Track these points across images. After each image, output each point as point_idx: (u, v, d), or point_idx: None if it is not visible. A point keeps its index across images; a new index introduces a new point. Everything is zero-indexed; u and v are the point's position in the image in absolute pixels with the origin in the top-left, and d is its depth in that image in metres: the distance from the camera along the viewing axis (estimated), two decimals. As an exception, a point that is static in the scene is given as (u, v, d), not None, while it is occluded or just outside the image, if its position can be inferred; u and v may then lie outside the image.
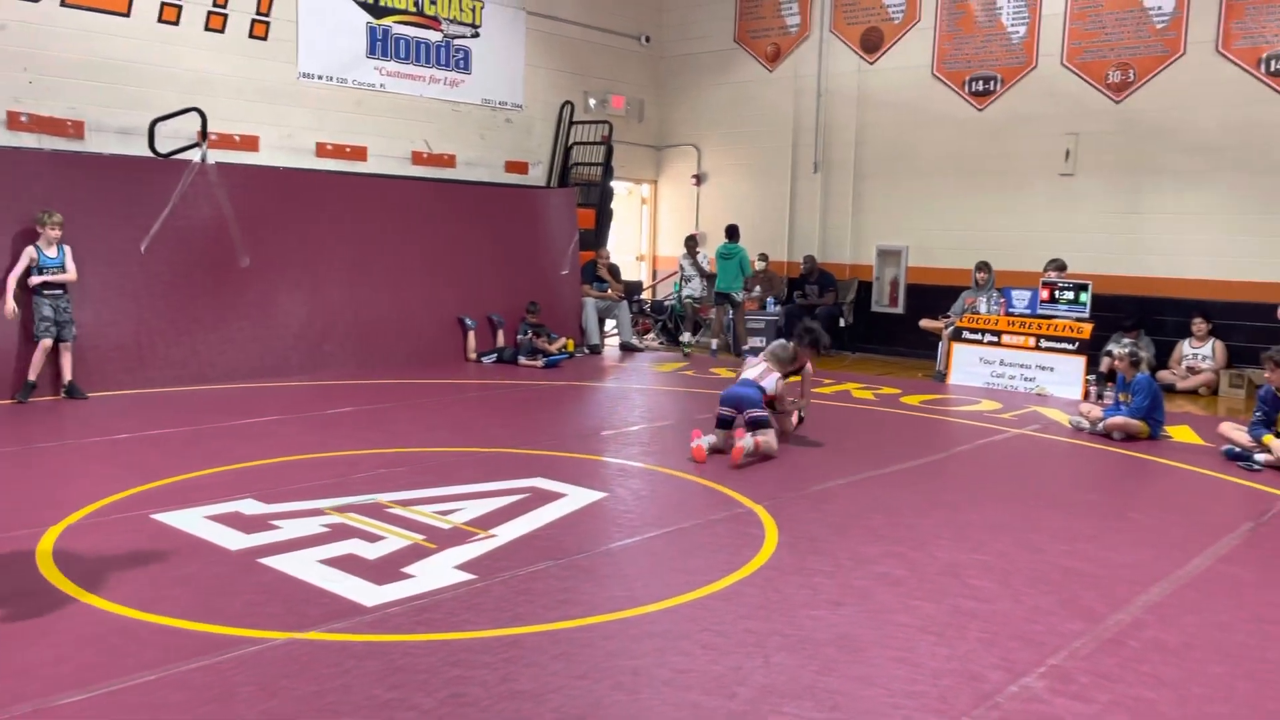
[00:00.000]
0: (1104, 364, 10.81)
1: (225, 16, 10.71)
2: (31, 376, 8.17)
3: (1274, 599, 4.37)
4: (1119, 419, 7.77)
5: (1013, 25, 12.33)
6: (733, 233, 12.88)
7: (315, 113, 11.51)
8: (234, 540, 4.77)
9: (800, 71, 14.20)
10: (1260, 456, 6.92)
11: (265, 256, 9.92)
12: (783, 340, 7.89)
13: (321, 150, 11.59)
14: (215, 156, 9.78)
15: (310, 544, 4.75)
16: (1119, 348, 8.41)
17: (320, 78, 11.51)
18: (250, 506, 5.34)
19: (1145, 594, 4.37)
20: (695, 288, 13.61)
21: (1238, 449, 7.11)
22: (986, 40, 12.54)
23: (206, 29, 10.61)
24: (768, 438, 6.75)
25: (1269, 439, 6.91)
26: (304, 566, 4.44)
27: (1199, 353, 10.78)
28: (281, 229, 10.12)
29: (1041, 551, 4.94)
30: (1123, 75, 11.54)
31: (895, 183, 13.43)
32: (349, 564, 4.49)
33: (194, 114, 9.58)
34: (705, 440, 6.74)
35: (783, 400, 7.34)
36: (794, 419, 7.56)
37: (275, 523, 5.07)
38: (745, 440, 6.62)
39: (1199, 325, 10.74)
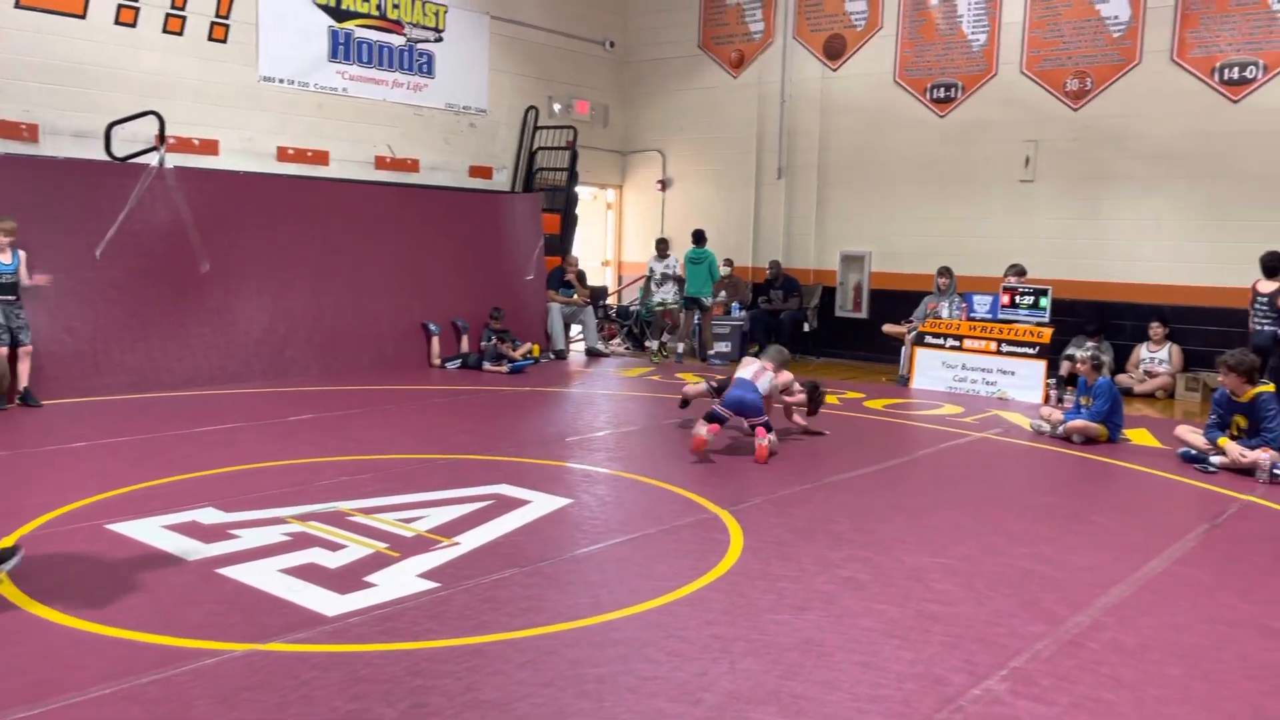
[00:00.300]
0: (1064, 368, 10.97)
1: (184, 19, 10.59)
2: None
3: (1228, 600, 4.44)
4: (1079, 422, 7.87)
5: (973, 33, 12.48)
6: (700, 237, 12.92)
7: (276, 116, 11.40)
8: (192, 550, 4.70)
9: (764, 78, 14.28)
10: (1216, 459, 7.03)
11: (225, 262, 9.80)
12: (779, 345, 8.42)
13: (283, 154, 11.48)
14: (174, 160, 9.67)
15: (270, 553, 4.69)
16: (1081, 351, 8.53)
17: (281, 81, 11.40)
18: (209, 515, 5.26)
19: (1104, 596, 4.42)
20: (669, 292, 13.23)
21: (1194, 451, 7.22)
22: (947, 48, 12.68)
23: (164, 31, 10.48)
24: (774, 437, 7.14)
25: (1224, 441, 7.02)
26: (264, 576, 4.38)
27: (1156, 356, 10.95)
28: (242, 234, 10.00)
29: (1003, 554, 4.99)
30: (1080, 83, 11.72)
31: (858, 188, 13.54)
32: (310, 573, 4.43)
33: (151, 117, 9.45)
34: (705, 432, 6.94)
35: (784, 395, 7.79)
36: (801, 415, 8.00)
37: (234, 532, 5.00)
38: (767, 439, 7.00)
39: (1156, 330, 10.91)
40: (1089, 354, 8.13)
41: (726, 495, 5.97)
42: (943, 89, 12.75)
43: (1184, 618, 4.20)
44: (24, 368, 8.17)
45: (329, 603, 4.09)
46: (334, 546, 4.81)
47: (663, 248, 13.32)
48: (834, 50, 13.66)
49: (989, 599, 4.34)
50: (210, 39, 10.81)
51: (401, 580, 4.38)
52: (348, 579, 4.38)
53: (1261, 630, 4.09)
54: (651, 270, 13.44)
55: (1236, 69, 10.74)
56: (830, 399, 8.91)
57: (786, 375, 7.98)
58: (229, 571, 4.43)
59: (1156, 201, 11.33)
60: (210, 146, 10.83)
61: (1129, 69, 11.43)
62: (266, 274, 10.17)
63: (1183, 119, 11.09)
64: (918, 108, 12.96)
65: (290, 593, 4.19)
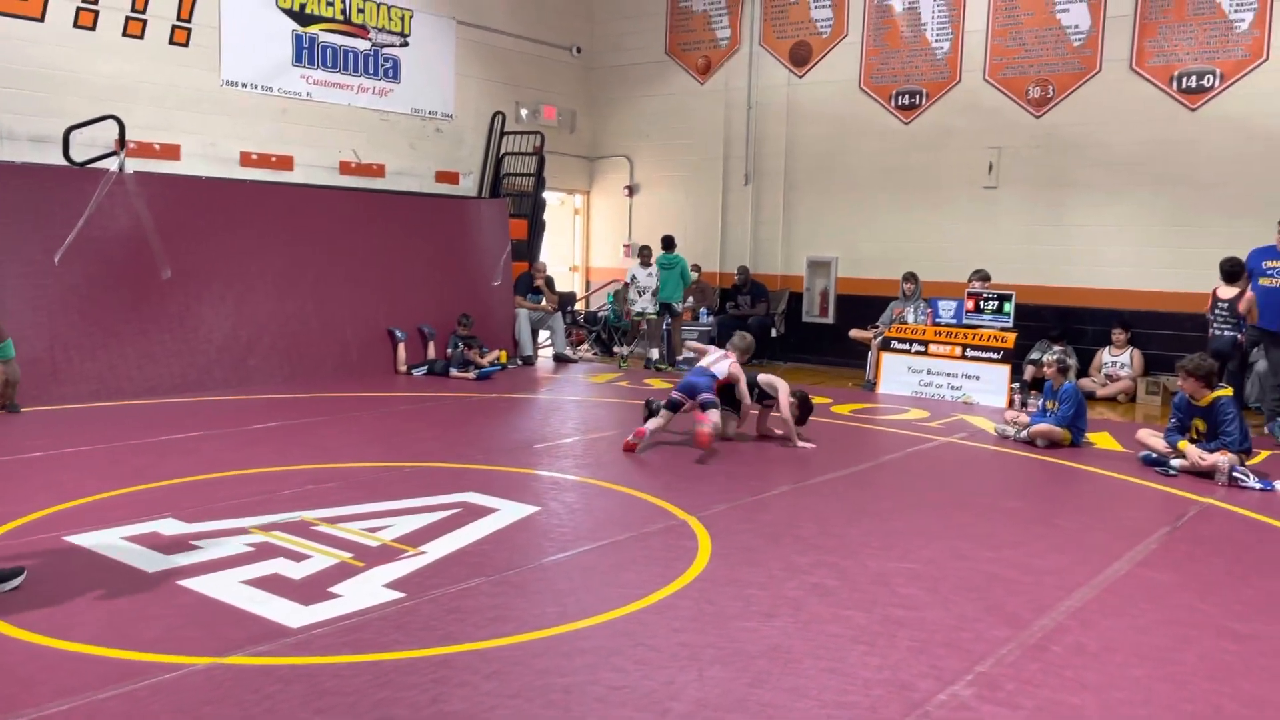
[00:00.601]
0: (1028, 372, 11.09)
1: (144, 22, 10.45)
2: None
3: (1189, 602, 4.49)
4: (1044, 426, 7.95)
5: (937, 41, 12.60)
6: (670, 243, 12.91)
7: (239, 121, 11.28)
8: (152, 562, 4.62)
9: (731, 84, 14.33)
10: (1176, 462, 7.13)
11: (187, 268, 9.68)
12: (742, 331, 8.45)
13: (246, 159, 11.36)
14: (134, 165, 9.54)
15: (233, 564, 4.62)
16: (1048, 355, 8.62)
17: (244, 85, 11.29)
18: (170, 526, 5.18)
19: (1068, 599, 4.46)
20: (649, 301, 12.89)
21: (1155, 455, 7.32)
22: (912, 55, 12.79)
23: (124, 35, 10.35)
24: (715, 416, 7.18)
25: (1184, 445, 7.12)
26: (226, 588, 4.32)
27: (1117, 360, 11.10)
28: (204, 240, 9.88)
29: (968, 558, 5.02)
30: (1042, 91, 11.86)
31: (825, 194, 13.62)
32: (273, 584, 4.38)
33: (111, 121, 9.32)
34: (649, 424, 7.19)
35: (738, 383, 7.77)
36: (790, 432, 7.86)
37: (196, 543, 4.93)
38: (707, 423, 7.06)
39: (1118, 335, 11.06)
40: (1055, 358, 8.22)
41: (694, 501, 5.97)
42: (907, 96, 12.86)
43: (1146, 619, 4.25)
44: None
45: (293, 614, 4.04)
46: (298, 557, 4.76)
47: (646, 255, 12.99)
48: (800, 57, 13.74)
49: (954, 603, 4.37)
50: (171, 42, 10.68)
51: (367, 591, 4.34)
52: (312, 590, 4.33)
53: (1220, 631, 4.14)
54: (634, 277, 13.03)
55: (1194, 78, 10.92)
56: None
57: (738, 370, 7.85)
58: (190, 583, 4.37)
59: (1117, 208, 11.49)
60: (171, 151, 10.70)
61: (1089, 77, 11.59)
62: (229, 280, 10.05)
63: (1142, 127, 11.26)
64: (883, 114, 13.06)
65: (253, 604, 4.13)
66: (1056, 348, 10.85)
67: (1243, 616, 4.32)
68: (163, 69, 10.63)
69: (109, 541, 4.89)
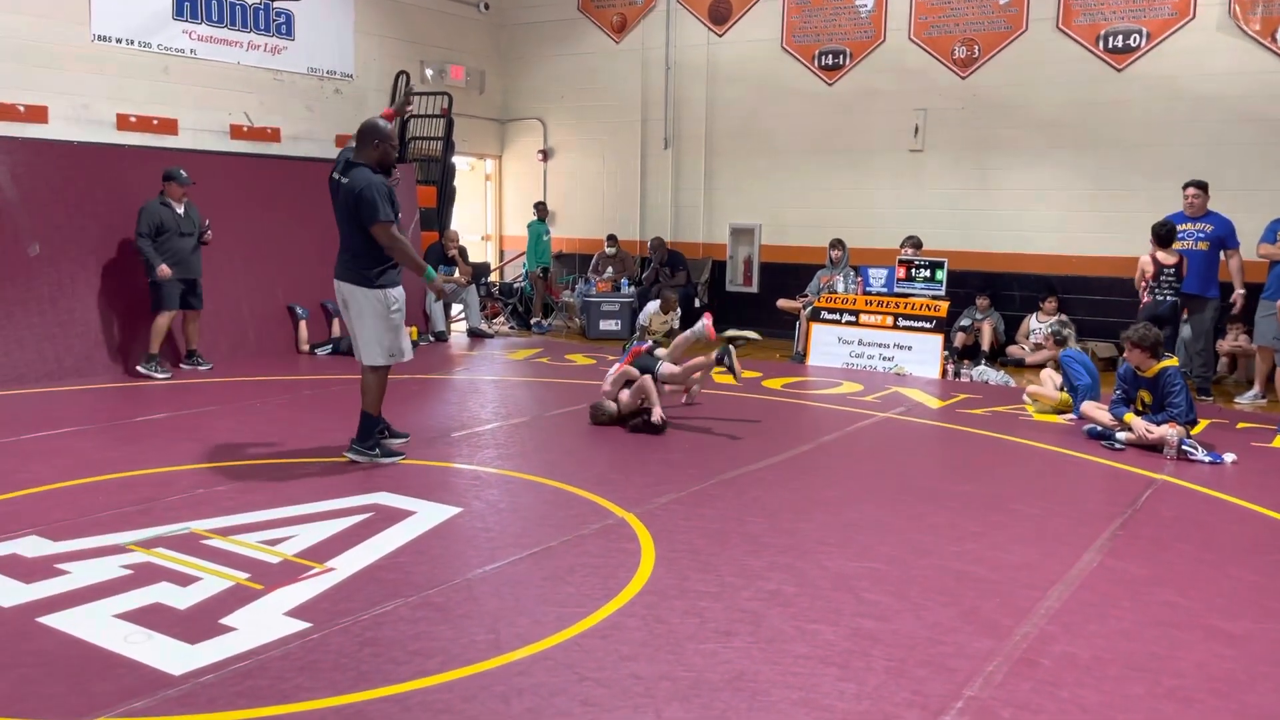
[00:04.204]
0: (958, 339, 10.88)
1: (1, -31, 9.39)
2: None
3: (1169, 598, 4.19)
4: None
5: (860, -1, 12.19)
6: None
7: (115, 80, 10.28)
8: (8, 593, 3.96)
9: (648, 43, 13.73)
10: (1122, 435, 6.92)
11: (59, 244, 8.77)
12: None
13: (124, 122, 10.38)
14: (-7, 129, 8.56)
15: (106, 593, 3.99)
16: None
17: (119, 41, 10.29)
18: (33, 546, 4.50)
19: (1045, 600, 4.12)
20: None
21: (1099, 428, 7.10)
22: (835, 13, 12.37)
23: (-21, -17, 9.28)
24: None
25: (1130, 417, 6.91)
26: (96, 625, 3.70)
27: (1045, 327, 10.93)
28: (79, 212, 8.95)
29: (931, 554, 4.65)
30: (968, 51, 11.57)
31: (747, 159, 13.18)
32: (154, 617, 3.76)
33: (-36, 80, 8.33)
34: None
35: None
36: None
37: (63, 566, 4.27)
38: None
39: (1049, 303, 10.89)
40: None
41: (631, 495, 5.49)
42: (831, 56, 12.45)
43: (1130, 621, 3.92)
44: None
45: (176, 657, 3.44)
46: (185, 580, 4.14)
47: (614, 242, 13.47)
48: (719, 15, 13.21)
49: (926, 610, 3.98)
50: (34, -8, 9.63)
51: (265, 621, 3.75)
52: (200, 622, 3.73)
53: (1209, 632, 3.84)
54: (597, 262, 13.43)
55: (1121, 37, 10.73)
56: (727, 379, 8.52)
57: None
58: (53, 620, 3.72)
59: (1044, 171, 11.29)
60: (38, 113, 9.68)
61: (1015, 37, 11.33)
62: (107, 255, 9.14)
63: (1068, 87, 11.05)
64: (806, 75, 12.64)
65: (128, 646, 3.52)
66: (1048, 319, 10.62)
67: (1228, 613, 4.03)
68: (25, 22, 9.58)
69: (-44, 570, 4.19)
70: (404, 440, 6.60)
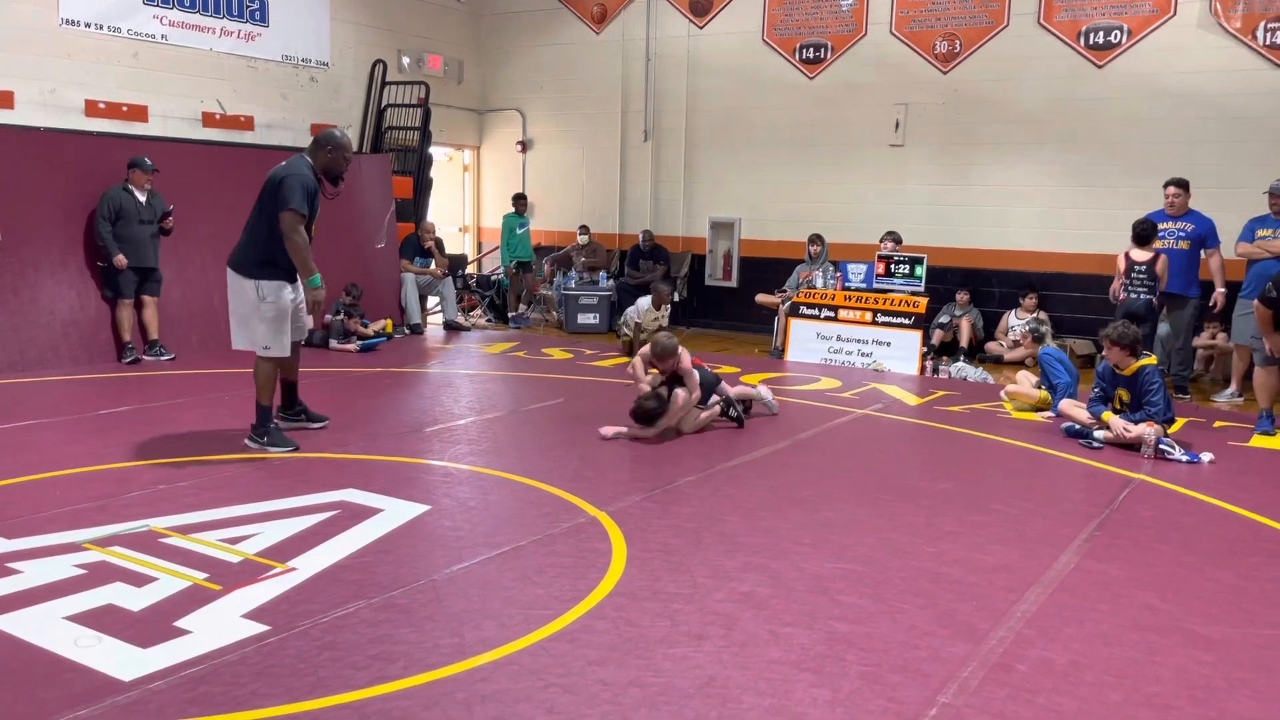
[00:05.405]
0: (936, 336, 10.83)
1: (-35, -51, 9.16)
2: None
3: (1147, 600, 4.13)
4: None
5: (842, -8, 12.11)
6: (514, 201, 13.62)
7: (83, 66, 10.06)
8: (-45, 595, 3.82)
9: (629, 34, 13.60)
10: (1099, 433, 6.87)
11: (23, 232, 8.58)
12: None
13: (93, 109, 10.17)
14: (-45, 113, 8.34)
15: (57, 593, 3.85)
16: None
17: (88, 25, 10.06)
18: (-15, 544, 4.36)
19: (1022, 602, 4.05)
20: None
21: (1078, 426, 7.05)
22: (817, 6, 12.28)
23: (-59, -37, 9.05)
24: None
25: (1108, 416, 6.86)
26: (46, 627, 3.57)
27: (1024, 324, 10.89)
28: (43, 200, 8.77)
29: (908, 555, 4.58)
30: (950, 45, 11.50)
31: (727, 153, 13.08)
32: (106, 619, 3.64)
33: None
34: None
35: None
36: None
37: (15, 565, 4.13)
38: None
39: (1029, 300, 10.85)
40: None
41: (604, 493, 5.39)
42: (812, 49, 12.36)
43: (1107, 624, 3.86)
44: None
45: (127, 661, 3.32)
46: (140, 580, 4.01)
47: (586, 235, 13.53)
48: (700, 7, 13.09)
49: (902, 613, 3.90)
50: (-1, -26, 9.41)
51: (222, 623, 3.63)
52: (154, 625, 3.61)
53: (1188, 637, 3.78)
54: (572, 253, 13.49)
55: (1102, 33, 10.69)
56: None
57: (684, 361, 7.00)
58: (1, 622, 3.59)
59: (1024, 167, 11.25)
60: (4, 99, 9.46)
61: (997, 31, 11.27)
62: (74, 245, 8.96)
63: (1049, 83, 11.00)
64: (787, 69, 12.54)
65: (78, 649, 3.40)
66: (1027, 316, 10.59)
67: (1207, 618, 3.97)
68: (-10, 4, 9.37)
69: (-99, 569, 4.05)
70: (322, 425, 6.64)
